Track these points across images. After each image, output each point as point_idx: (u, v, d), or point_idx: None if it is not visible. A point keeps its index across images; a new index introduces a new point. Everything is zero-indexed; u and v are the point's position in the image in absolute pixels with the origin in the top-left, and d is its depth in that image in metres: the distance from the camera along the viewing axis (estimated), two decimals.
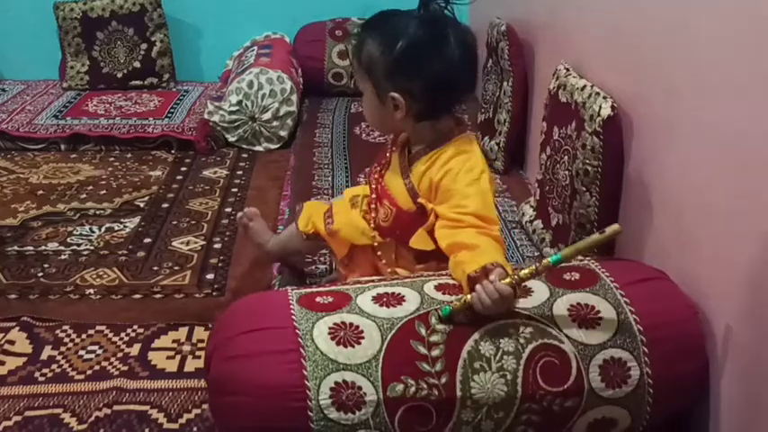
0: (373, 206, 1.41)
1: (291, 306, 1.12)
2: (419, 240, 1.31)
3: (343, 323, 1.08)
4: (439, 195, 1.28)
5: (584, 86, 1.59)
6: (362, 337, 1.06)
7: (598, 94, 1.52)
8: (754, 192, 1.05)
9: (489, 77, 2.43)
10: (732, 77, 1.12)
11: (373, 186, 1.43)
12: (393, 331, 1.07)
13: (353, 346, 1.05)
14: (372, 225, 1.40)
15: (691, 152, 1.25)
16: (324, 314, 1.10)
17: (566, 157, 1.65)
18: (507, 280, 1.08)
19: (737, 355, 1.11)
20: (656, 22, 1.41)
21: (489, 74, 2.43)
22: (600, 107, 1.47)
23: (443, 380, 1.04)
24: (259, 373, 1.03)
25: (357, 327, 1.07)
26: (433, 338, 1.07)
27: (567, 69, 1.74)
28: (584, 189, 1.53)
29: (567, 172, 1.63)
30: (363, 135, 2.67)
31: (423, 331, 1.07)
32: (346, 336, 1.06)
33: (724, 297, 1.13)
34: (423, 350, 1.06)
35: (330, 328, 1.07)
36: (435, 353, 1.06)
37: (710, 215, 1.18)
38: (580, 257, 1.28)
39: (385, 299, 1.13)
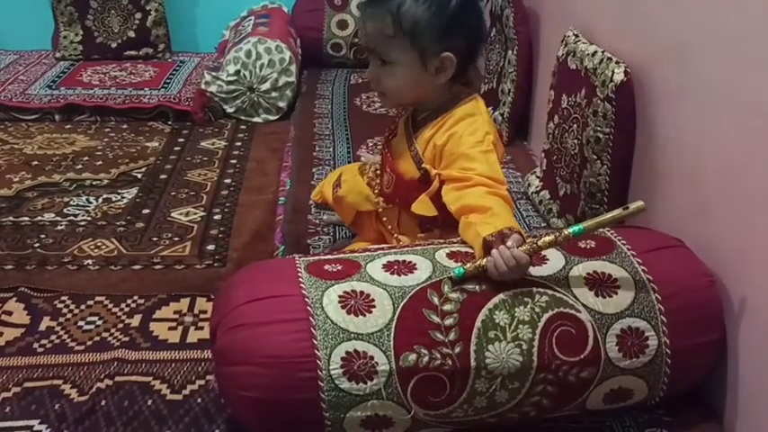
0: (379, 172, 1.41)
1: (300, 274, 1.08)
2: (421, 206, 1.29)
3: (353, 291, 1.05)
4: (444, 160, 1.26)
5: (595, 52, 1.55)
6: (374, 306, 1.03)
7: (610, 59, 1.48)
8: None
9: (493, 47, 2.38)
10: (747, 37, 1.08)
11: (381, 153, 1.42)
12: (405, 300, 1.04)
13: (365, 315, 1.02)
14: (377, 191, 1.40)
15: (706, 115, 1.22)
16: (333, 282, 1.06)
17: (575, 126, 1.61)
18: (525, 247, 1.05)
19: (755, 325, 1.08)
20: None
21: (493, 43, 2.38)
22: (612, 72, 1.44)
23: (457, 349, 1.01)
24: (268, 343, 1.00)
25: (368, 295, 1.04)
26: (447, 307, 1.04)
27: (576, 35, 1.70)
28: (595, 157, 1.50)
29: (576, 141, 1.60)
30: (364, 106, 2.62)
31: (435, 300, 1.04)
32: (357, 304, 1.03)
33: (743, 264, 1.11)
34: (436, 319, 1.03)
35: (340, 297, 1.04)
36: (449, 322, 1.03)
37: (727, 180, 1.15)
38: None
39: (396, 267, 1.10)
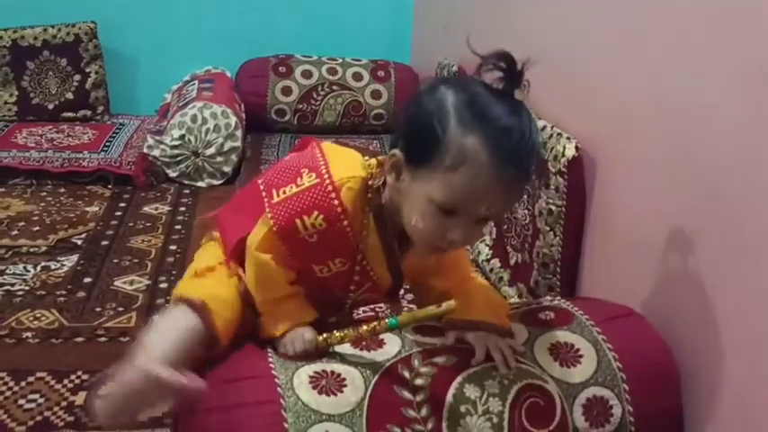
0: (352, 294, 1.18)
1: (269, 354, 1.06)
2: None
3: (324, 371, 1.03)
4: None
5: (544, 127, 1.62)
6: (345, 385, 1.02)
7: (560, 134, 1.55)
8: (725, 224, 1.08)
9: None
10: (693, 107, 1.16)
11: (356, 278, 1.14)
12: (376, 377, 1.03)
13: (336, 395, 1.00)
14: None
15: (655, 188, 1.28)
16: (303, 362, 1.05)
17: (525, 196, 1.66)
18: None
19: (713, 390, 1.12)
20: (605, 56, 1.45)
21: None
22: (564, 147, 1.50)
23: (430, 425, 1.01)
24: (236, 428, 0.97)
25: (339, 374, 1.03)
26: (418, 382, 1.03)
27: None
28: (548, 228, 1.54)
29: (527, 211, 1.64)
30: None
31: (406, 375, 1.04)
32: (328, 384, 1.01)
33: (697, 333, 1.15)
34: (407, 395, 1.02)
35: (311, 377, 1.02)
36: (420, 397, 1.02)
37: (679, 251, 1.20)
38: (549, 297, 1.29)
39: (365, 342, 1.09)
